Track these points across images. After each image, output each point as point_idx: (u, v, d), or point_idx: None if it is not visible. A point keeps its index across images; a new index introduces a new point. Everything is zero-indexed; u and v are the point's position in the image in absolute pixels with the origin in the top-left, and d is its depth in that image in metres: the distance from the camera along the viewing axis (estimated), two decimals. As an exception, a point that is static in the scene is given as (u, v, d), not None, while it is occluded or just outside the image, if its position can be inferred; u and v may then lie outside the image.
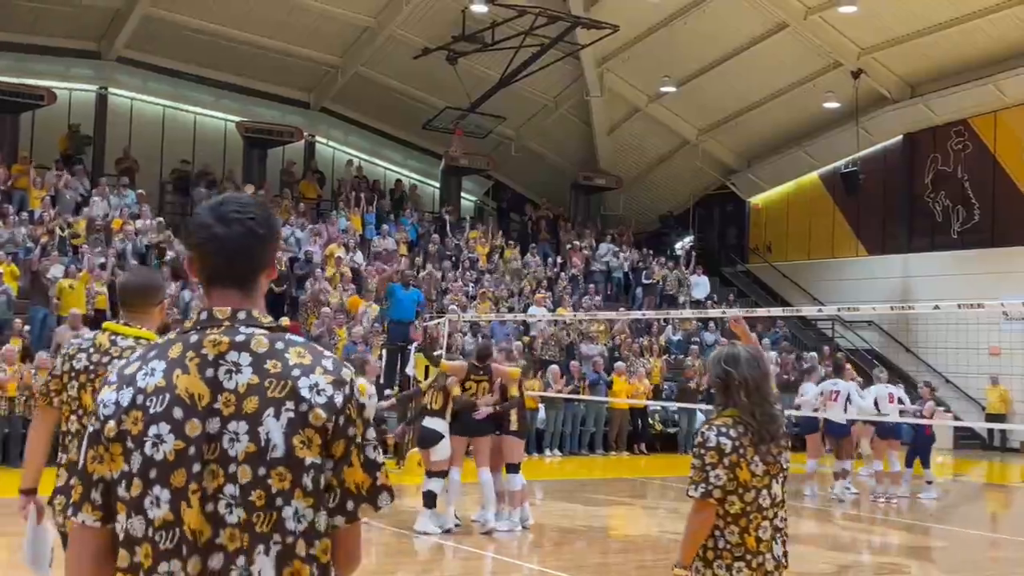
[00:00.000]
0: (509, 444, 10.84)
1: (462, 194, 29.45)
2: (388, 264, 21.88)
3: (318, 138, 28.76)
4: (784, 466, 4.04)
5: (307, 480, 2.12)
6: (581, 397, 19.19)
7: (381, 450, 2.28)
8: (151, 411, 2.13)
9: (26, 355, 15.52)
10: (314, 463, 2.13)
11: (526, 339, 21.05)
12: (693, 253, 27.67)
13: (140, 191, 22.60)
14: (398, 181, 28.88)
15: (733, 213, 31.75)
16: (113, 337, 4.39)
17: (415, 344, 17.10)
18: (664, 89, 26.87)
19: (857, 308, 14.85)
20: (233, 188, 24.07)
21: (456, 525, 10.86)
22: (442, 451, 10.56)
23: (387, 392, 15.38)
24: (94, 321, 17.47)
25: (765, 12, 23.98)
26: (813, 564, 9.81)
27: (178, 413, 2.12)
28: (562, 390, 18.93)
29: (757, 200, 30.61)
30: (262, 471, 2.10)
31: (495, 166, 29.13)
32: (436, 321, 17.58)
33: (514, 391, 10.84)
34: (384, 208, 26.20)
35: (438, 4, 24.35)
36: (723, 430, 3.96)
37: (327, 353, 2.24)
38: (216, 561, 2.09)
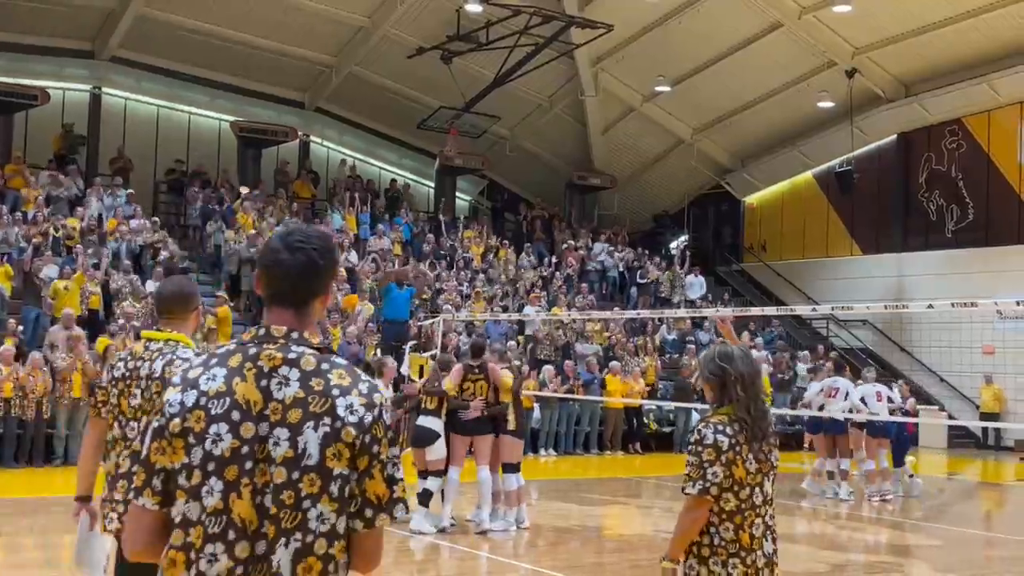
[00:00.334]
0: (507, 444, 10.82)
1: (457, 194, 29.45)
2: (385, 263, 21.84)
3: (313, 138, 28.73)
4: (774, 464, 4.07)
5: (334, 488, 2.39)
6: (576, 397, 19.16)
7: (401, 468, 2.54)
8: (212, 412, 2.42)
9: (19, 355, 15.48)
10: (342, 473, 2.40)
11: (521, 338, 21.05)
12: (688, 253, 27.67)
13: (130, 191, 22.52)
14: (393, 181, 28.89)
15: (728, 212, 31.79)
16: (147, 343, 4.58)
17: (410, 343, 17.09)
18: (659, 89, 26.89)
19: (851, 307, 14.88)
20: (228, 188, 24.05)
21: (451, 524, 10.84)
22: (438, 450, 10.55)
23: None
24: (88, 321, 17.46)
25: (759, 12, 24.00)
26: (807, 563, 9.81)
27: (235, 416, 2.41)
28: (557, 389, 18.93)
29: (752, 199, 30.64)
30: (295, 475, 2.38)
31: (490, 166, 29.15)
32: (430, 321, 17.54)
33: (505, 398, 10.79)
34: (379, 208, 26.16)
35: (432, 3, 24.33)
36: (720, 427, 3.97)
37: (364, 377, 2.51)
38: (261, 547, 2.37)
